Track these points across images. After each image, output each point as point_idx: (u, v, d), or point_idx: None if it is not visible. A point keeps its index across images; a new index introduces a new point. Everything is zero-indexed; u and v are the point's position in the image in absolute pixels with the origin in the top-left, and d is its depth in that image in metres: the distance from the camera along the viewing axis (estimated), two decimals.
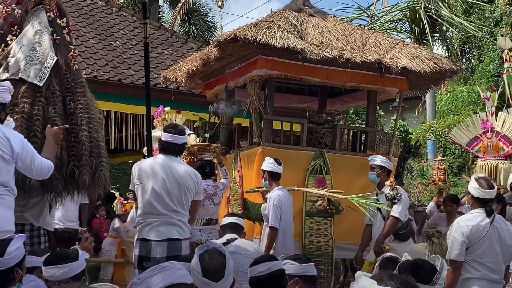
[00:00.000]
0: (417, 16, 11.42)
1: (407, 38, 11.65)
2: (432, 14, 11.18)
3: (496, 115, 8.57)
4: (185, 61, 9.53)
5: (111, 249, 10.58)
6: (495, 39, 15.59)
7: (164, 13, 29.66)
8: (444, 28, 12.47)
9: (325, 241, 7.84)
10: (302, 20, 8.52)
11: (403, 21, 12.22)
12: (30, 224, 5.64)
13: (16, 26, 5.80)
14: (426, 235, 8.27)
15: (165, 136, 5.89)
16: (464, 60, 23.45)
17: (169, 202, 5.67)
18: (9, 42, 5.75)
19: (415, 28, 11.51)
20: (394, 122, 9.83)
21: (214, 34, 26.52)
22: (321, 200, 7.59)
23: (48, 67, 5.71)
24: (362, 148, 8.77)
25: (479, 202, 5.45)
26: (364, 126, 9.96)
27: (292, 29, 8.08)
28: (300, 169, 8.01)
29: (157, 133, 7.84)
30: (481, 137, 8.54)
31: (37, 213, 5.71)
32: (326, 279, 7.73)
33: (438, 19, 11.37)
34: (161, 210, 5.65)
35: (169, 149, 5.87)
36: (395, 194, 6.99)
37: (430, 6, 11.21)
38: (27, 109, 5.47)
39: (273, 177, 7.14)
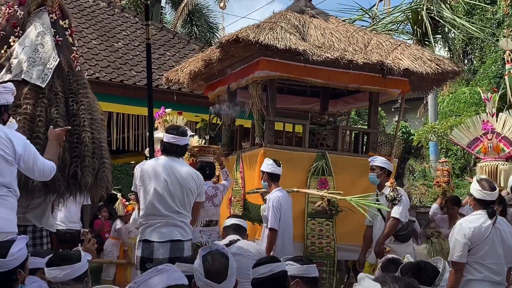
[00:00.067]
0: (419, 18, 11.42)
1: (409, 39, 11.66)
2: (434, 15, 11.19)
3: (497, 116, 8.56)
4: (187, 62, 9.52)
5: (113, 250, 10.59)
6: (497, 40, 15.61)
7: (166, 14, 29.68)
8: (446, 29, 12.48)
9: (327, 242, 7.83)
10: (304, 22, 8.52)
11: (405, 22, 12.23)
12: (32, 225, 5.66)
13: (18, 28, 5.82)
14: (425, 235, 8.28)
15: (167, 138, 5.89)
16: (466, 61, 23.44)
17: (171, 204, 5.67)
18: (12, 43, 5.77)
19: (417, 29, 11.52)
20: (396, 123, 9.81)
21: (216, 35, 26.54)
22: (320, 201, 7.61)
23: (51, 69, 5.72)
24: (364, 149, 8.77)
25: (481, 203, 5.45)
26: (366, 127, 9.95)
27: (294, 31, 8.07)
28: (302, 170, 8.00)
29: (159, 134, 7.85)
30: (481, 138, 8.54)
31: (40, 214, 5.72)
32: (328, 280, 7.72)
33: (440, 21, 11.37)
34: (163, 211, 5.65)
35: (171, 150, 5.87)
36: (395, 195, 6.99)
37: (432, 7, 11.21)
38: (30, 110, 5.49)
39: (272, 178, 7.14)
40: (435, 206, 9.21)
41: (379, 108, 10.40)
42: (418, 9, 11.55)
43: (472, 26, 12.12)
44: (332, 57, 7.78)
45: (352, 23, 10.86)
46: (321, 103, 9.96)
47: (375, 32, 10.17)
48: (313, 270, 4.31)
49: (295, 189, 7.42)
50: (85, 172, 5.56)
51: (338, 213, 7.65)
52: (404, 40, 10.16)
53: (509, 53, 9.89)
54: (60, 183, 5.42)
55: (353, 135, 9.06)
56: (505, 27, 16.10)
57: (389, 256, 4.57)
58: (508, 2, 13.15)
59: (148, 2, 7.57)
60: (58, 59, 5.78)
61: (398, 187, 7.17)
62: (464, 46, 22.29)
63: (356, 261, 7.66)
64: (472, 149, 8.74)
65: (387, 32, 11.54)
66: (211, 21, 27.49)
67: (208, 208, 7.39)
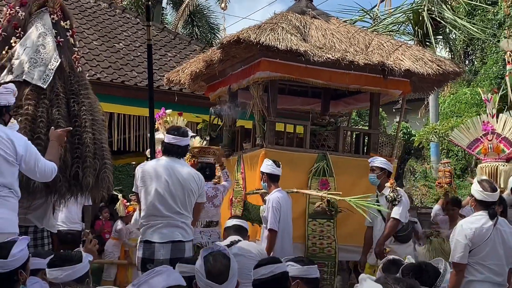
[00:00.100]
0: (420, 18, 11.42)
1: (410, 40, 11.65)
2: (435, 16, 11.18)
3: (497, 117, 8.55)
4: (188, 63, 9.53)
5: (114, 250, 10.60)
6: (498, 41, 15.60)
7: (167, 15, 29.70)
8: (447, 30, 12.47)
9: (328, 243, 7.83)
10: (305, 22, 8.52)
11: (406, 23, 12.22)
12: (34, 226, 5.66)
13: (20, 29, 5.82)
14: (425, 235, 8.27)
15: (168, 138, 5.89)
16: (467, 62, 23.44)
17: (173, 204, 5.67)
18: (13, 44, 5.77)
19: (418, 30, 11.51)
20: (397, 124, 9.81)
21: (217, 36, 26.55)
22: (319, 202, 7.61)
23: (52, 69, 5.73)
24: (365, 150, 8.77)
25: (482, 204, 5.46)
26: (367, 128, 9.95)
27: (295, 31, 8.08)
28: (303, 171, 8.01)
29: (159, 135, 7.86)
30: (481, 139, 8.52)
31: (41, 215, 5.72)
32: (329, 281, 7.72)
33: (441, 21, 11.37)
34: (165, 212, 5.65)
35: (172, 151, 5.87)
36: (395, 195, 7.00)
37: (433, 8, 11.21)
38: (31, 111, 5.49)
39: (272, 179, 7.14)
40: (437, 207, 9.19)
41: (380, 109, 10.41)
42: (419, 10, 11.54)
43: (473, 27, 12.11)
44: (333, 58, 7.78)
45: (353, 24, 10.85)
46: (322, 104, 9.96)
47: (376, 33, 10.16)
48: (313, 271, 4.31)
49: (295, 190, 7.43)
50: (86, 173, 5.56)
51: (338, 213, 7.67)
52: (405, 41, 10.16)
53: (509, 54, 9.87)
54: (62, 183, 5.42)
55: (354, 136, 9.07)
56: (506, 28, 16.10)
57: (390, 257, 4.57)
58: (509, 3, 13.13)
59: (149, 3, 7.59)
60: (60, 60, 5.79)
61: (398, 188, 7.17)
62: (465, 47, 22.29)
63: (357, 262, 7.67)
64: (472, 150, 8.72)
65: (388, 33, 11.53)
66: (212, 22, 27.53)
67: (208, 209, 7.39)
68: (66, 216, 8.96)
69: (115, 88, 11.72)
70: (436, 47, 12.19)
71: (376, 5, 13.92)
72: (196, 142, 8.16)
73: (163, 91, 11.56)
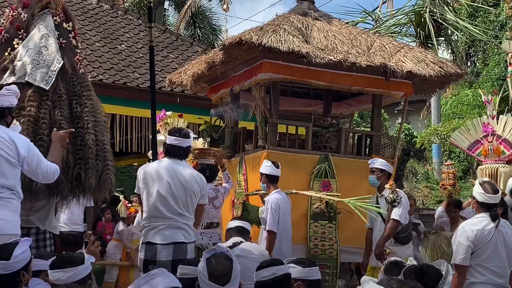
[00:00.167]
0: (422, 20, 11.41)
1: (412, 42, 11.64)
2: (437, 18, 11.18)
3: (497, 119, 8.55)
4: (190, 65, 9.54)
5: (115, 252, 10.60)
6: (500, 42, 15.59)
7: (169, 16, 29.72)
8: (449, 31, 12.46)
9: (330, 245, 7.83)
10: (307, 24, 8.53)
11: (408, 25, 12.20)
12: (36, 228, 5.66)
13: (22, 30, 5.83)
14: (424, 233, 8.26)
15: (170, 140, 5.90)
16: (469, 63, 23.45)
17: (175, 206, 5.67)
18: (16, 46, 5.78)
19: (420, 32, 11.50)
20: (399, 125, 9.81)
21: (219, 37, 26.57)
22: (318, 203, 7.61)
23: (55, 71, 5.73)
24: (367, 152, 8.77)
25: (483, 206, 5.46)
26: (369, 129, 9.96)
27: (297, 33, 8.08)
28: (305, 173, 8.02)
29: (160, 137, 7.87)
30: (482, 141, 8.51)
31: (43, 216, 5.73)
32: (331, 283, 7.73)
33: (443, 23, 11.36)
34: (167, 213, 5.65)
35: (174, 152, 5.87)
36: (395, 197, 7.00)
37: (435, 10, 11.20)
38: (34, 113, 5.50)
39: (271, 180, 7.15)
40: (440, 209, 9.18)
41: (382, 110, 10.41)
42: (421, 12, 11.53)
43: (475, 28, 12.11)
44: (335, 60, 7.79)
45: (355, 25, 10.84)
46: (324, 105, 9.97)
47: (378, 34, 10.16)
48: (315, 272, 4.32)
49: (294, 191, 7.43)
50: (88, 174, 5.56)
51: (336, 215, 7.66)
52: (407, 43, 10.17)
53: (511, 55, 9.87)
54: (64, 185, 5.42)
55: (356, 138, 9.08)
56: (508, 29, 16.12)
57: (392, 259, 4.58)
58: (511, 4, 13.14)
59: (151, 4, 7.57)
60: (62, 62, 5.79)
61: (397, 189, 7.17)
62: (467, 49, 22.29)
63: (359, 264, 7.66)
64: (473, 152, 8.72)
65: (390, 34, 11.53)
66: (214, 23, 27.57)
67: (209, 210, 7.39)
68: (68, 218, 8.95)
69: (117, 90, 11.72)
70: (438, 48, 12.17)
71: (378, 7, 13.95)
72: (199, 143, 8.16)
73: (165, 93, 11.56)
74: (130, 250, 10.43)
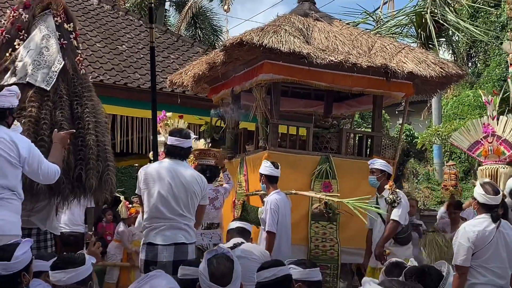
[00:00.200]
0: (423, 21, 11.41)
1: (413, 42, 11.65)
2: (438, 18, 11.18)
3: (498, 119, 8.54)
4: (191, 65, 9.54)
5: (116, 253, 10.61)
6: (501, 43, 15.59)
7: (170, 17, 29.76)
8: (450, 32, 12.46)
9: (330, 246, 7.84)
10: (308, 25, 8.53)
11: (409, 25, 12.21)
12: (37, 228, 5.66)
13: (23, 31, 5.83)
14: (423, 232, 8.26)
15: (171, 140, 5.90)
16: (470, 64, 23.44)
17: (176, 206, 5.67)
18: (17, 46, 5.78)
19: (421, 32, 11.50)
20: (400, 126, 9.81)
21: (220, 38, 26.59)
22: (317, 203, 7.61)
23: (56, 72, 5.73)
24: (368, 153, 8.77)
25: (484, 207, 5.45)
26: (370, 130, 9.96)
27: (298, 34, 8.08)
28: (306, 174, 8.02)
29: (160, 138, 7.87)
30: (482, 141, 8.51)
31: (44, 217, 5.73)
32: (331, 284, 7.73)
33: (444, 24, 11.36)
34: (168, 214, 5.65)
35: (175, 153, 5.88)
36: (394, 197, 7.00)
37: (436, 10, 11.21)
38: (35, 113, 5.50)
39: (270, 181, 7.15)
40: (442, 210, 9.19)
41: (383, 111, 10.41)
42: (422, 12, 11.54)
43: (476, 29, 12.12)
44: (336, 60, 7.79)
45: (356, 26, 10.85)
46: (325, 106, 9.97)
47: (379, 35, 10.17)
48: (315, 274, 4.32)
49: (293, 191, 7.43)
50: (89, 175, 5.56)
51: (335, 215, 7.65)
52: (408, 43, 10.17)
53: (511, 56, 9.88)
54: (65, 186, 5.42)
55: (357, 138, 9.08)
56: (509, 30, 16.11)
57: (393, 260, 4.57)
58: None
59: (152, 5, 7.57)
60: (63, 62, 5.79)
61: (397, 190, 7.17)
62: (468, 49, 22.29)
63: (360, 265, 7.66)
64: (473, 152, 8.71)
65: (391, 35, 11.54)
66: (215, 24, 27.59)
67: (209, 211, 7.39)
68: (69, 218, 8.95)
69: (118, 90, 11.73)
70: (439, 49, 12.17)
71: (379, 7, 13.94)
72: (201, 144, 8.17)
73: (166, 93, 11.57)
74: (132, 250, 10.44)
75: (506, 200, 7.25)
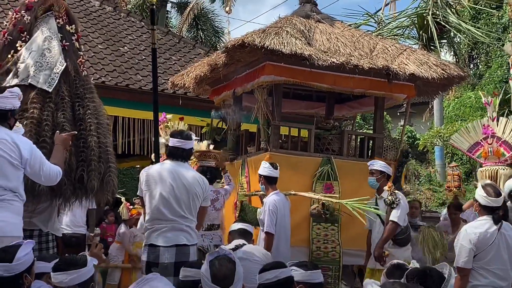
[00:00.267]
0: (425, 23, 11.40)
1: (414, 44, 11.64)
2: (440, 20, 11.17)
3: (497, 121, 8.54)
4: (193, 67, 9.55)
5: (118, 254, 10.61)
6: (503, 45, 15.58)
7: (172, 19, 29.77)
8: (452, 34, 12.45)
9: (332, 247, 7.84)
10: (309, 26, 8.53)
11: (411, 27, 12.19)
12: (38, 230, 5.67)
13: (25, 32, 5.84)
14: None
15: (173, 142, 5.91)
16: (471, 65, 23.41)
17: (177, 208, 5.67)
18: (19, 48, 5.79)
19: (423, 34, 11.49)
20: (401, 127, 9.81)
21: (221, 40, 26.59)
22: (316, 204, 7.61)
23: (58, 73, 5.74)
24: (369, 154, 8.77)
25: (486, 209, 5.46)
26: (371, 132, 9.95)
27: (299, 35, 8.09)
28: (308, 175, 8.02)
29: (161, 140, 7.88)
30: (482, 143, 8.51)
31: (46, 218, 5.73)
32: (333, 286, 7.73)
33: (446, 25, 11.35)
34: (169, 216, 5.66)
35: (176, 154, 5.88)
36: (393, 199, 6.99)
37: (438, 12, 11.19)
38: (37, 115, 5.51)
39: (269, 182, 7.16)
40: (445, 211, 9.18)
41: (385, 113, 10.40)
42: (424, 14, 11.52)
43: (478, 31, 12.09)
44: (337, 62, 7.79)
45: (357, 28, 10.84)
46: (326, 107, 9.97)
47: (381, 37, 10.17)
48: (317, 275, 4.32)
49: (292, 192, 7.43)
50: (91, 176, 5.57)
51: (333, 216, 7.65)
52: (409, 45, 10.16)
53: None
54: (66, 187, 5.43)
55: (359, 140, 9.07)
56: (511, 31, 16.09)
57: (395, 261, 4.57)
58: None
59: (154, 6, 7.59)
60: (65, 64, 5.80)
61: (396, 191, 7.17)
62: (469, 51, 22.25)
63: (361, 266, 7.66)
64: (473, 154, 8.70)
65: (392, 37, 11.52)
66: (216, 25, 27.57)
67: (210, 212, 7.39)
68: (71, 220, 8.97)
69: (120, 92, 11.75)
70: (440, 51, 12.17)
71: (380, 9, 13.90)
72: (204, 145, 8.18)
73: (168, 95, 11.58)
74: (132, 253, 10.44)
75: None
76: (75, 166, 5.55)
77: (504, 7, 18.49)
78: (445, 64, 8.73)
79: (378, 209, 7.00)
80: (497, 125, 8.47)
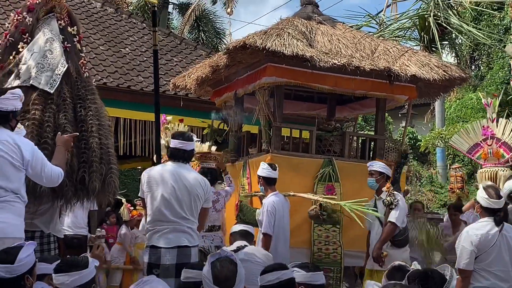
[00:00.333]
0: (426, 24, 11.40)
1: (416, 45, 11.64)
2: (441, 21, 11.16)
3: (497, 122, 8.53)
4: (194, 68, 9.55)
5: (119, 255, 10.61)
6: (504, 46, 15.57)
7: (173, 20, 29.80)
8: (453, 35, 12.44)
9: (333, 249, 7.83)
10: (311, 28, 8.53)
11: (412, 28, 12.19)
12: (40, 231, 5.67)
13: (27, 34, 5.85)
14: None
15: (174, 143, 5.90)
16: (473, 67, 23.41)
17: (179, 209, 5.67)
18: (20, 49, 5.80)
19: (424, 35, 11.49)
20: (403, 129, 9.80)
21: (223, 41, 26.63)
22: (314, 205, 7.61)
23: (59, 74, 5.75)
24: (371, 156, 8.76)
25: (487, 211, 5.46)
26: (373, 133, 9.95)
27: (301, 37, 8.09)
28: (309, 177, 8.01)
29: (162, 141, 7.89)
30: (481, 144, 8.51)
31: (47, 220, 5.74)
32: (335, 287, 7.72)
33: (447, 27, 11.34)
34: (171, 217, 5.65)
35: (178, 155, 5.88)
36: (392, 199, 6.98)
37: (439, 13, 11.19)
38: (38, 116, 5.51)
39: (268, 183, 7.16)
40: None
41: (386, 114, 10.39)
42: (425, 16, 11.52)
43: (479, 32, 12.09)
44: (339, 63, 7.79)
45: (359, 29, 10.85)
46: (328, 109, 9.97)
47: (382, 38, 10.17)
48: (319, 277, 4.31)
49: (292, 193, 7.43)
50: (92, 178, 5.57)
51: (331, 218, 7.64)
52: (411, 47, 10.16)
53: None
54: (68, 188, 5.44)
55: (360, 141, 9.07)
56: None
57: (396, 263, 4.57)
58: None
59: (156, 8, 7.60)
60: (67, 65, 5.81)
61: (395, 192, 7.16)
62: (471, 52, 22.25)
63: (362, 268, 7.65)
64: (472, 155, 8.70)
65: (394, 38, 11.52)
66: (218, 26, 27.61)
67: (210, 213, 7.37)
68: (72, 221, 8.97)
69: (121, 93, 11.76)
70: (442, 52, 12.16)
71: (382, 11, 13.91)
72: (206, 146, 8.18)
73: (169, 96, 11.58)
74: (135, 254, 10.44)
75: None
76: (76, 167, 5.56)
77: (505, 8, 18.48)
78: (447, 65, 8.73)
79: (376, 210, 7.00)
80: (497, 126, 8.47)
